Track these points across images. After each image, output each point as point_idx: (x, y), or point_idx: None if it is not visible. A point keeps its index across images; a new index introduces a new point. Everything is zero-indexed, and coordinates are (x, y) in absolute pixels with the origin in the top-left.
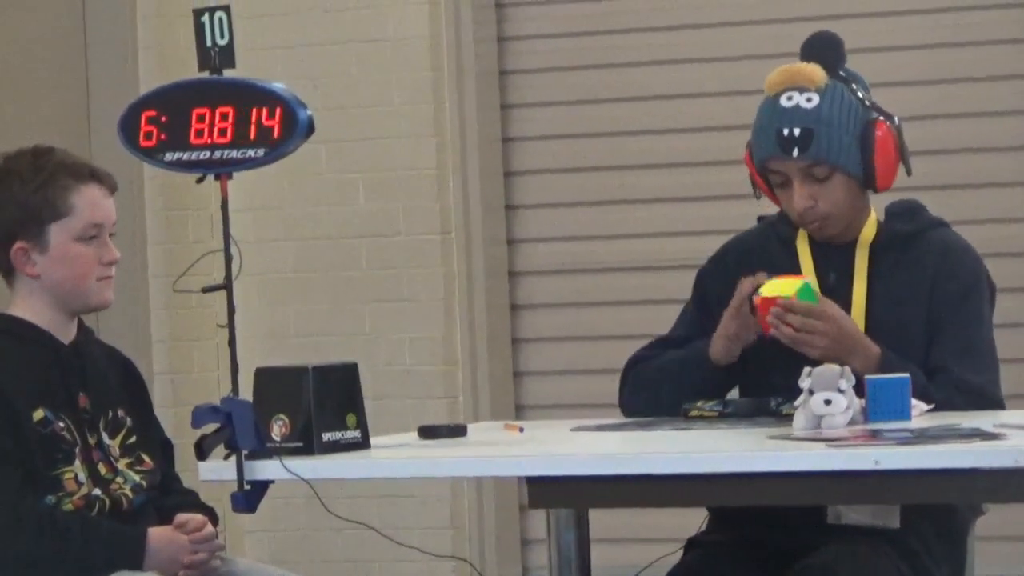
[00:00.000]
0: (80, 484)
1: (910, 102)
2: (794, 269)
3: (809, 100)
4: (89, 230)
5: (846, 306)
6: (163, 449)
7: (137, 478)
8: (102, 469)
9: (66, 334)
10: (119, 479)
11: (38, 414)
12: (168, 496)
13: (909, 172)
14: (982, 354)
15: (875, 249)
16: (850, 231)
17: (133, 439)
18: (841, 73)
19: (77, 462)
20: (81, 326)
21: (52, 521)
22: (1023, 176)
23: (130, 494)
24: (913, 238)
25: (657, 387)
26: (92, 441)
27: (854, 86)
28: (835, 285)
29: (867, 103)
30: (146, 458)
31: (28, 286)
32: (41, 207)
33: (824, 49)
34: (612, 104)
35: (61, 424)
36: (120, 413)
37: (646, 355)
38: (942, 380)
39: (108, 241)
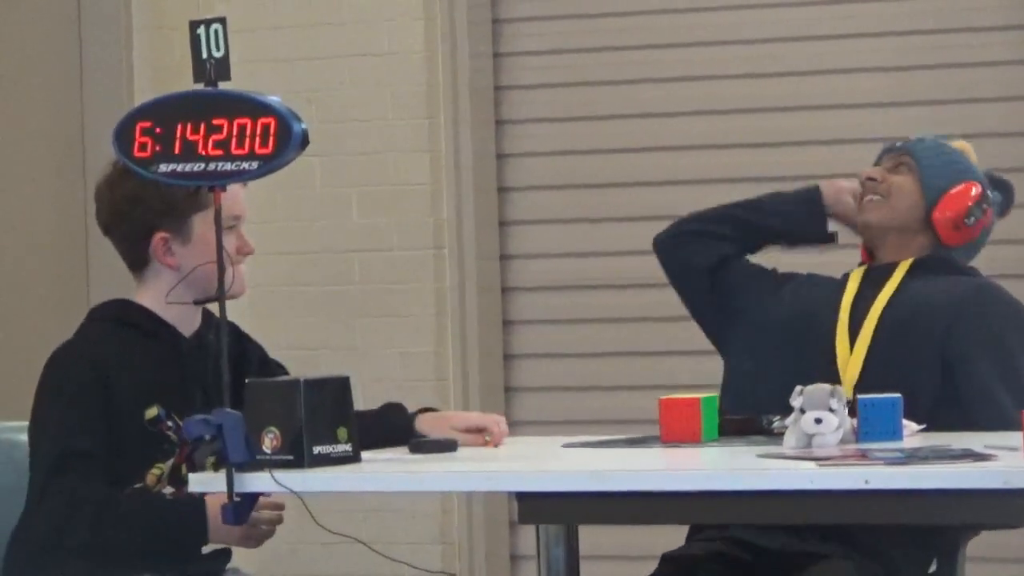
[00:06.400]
0: (159, 481)
1: (898, 120)
2: (839, 289)
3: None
4: (229, 221)
5: (867, 309)
6: None
7: None
8: (183, 469)
9: (190, 325)
10: None
11: (151, 412)
12: None
13: (951, 243)
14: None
15: (915, 266)
16: (899, 252)
17: None
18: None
19: (171, 461)
20: (205, 315)
21: (113, 508)
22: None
23: None
24: (954, 269)
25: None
26: None
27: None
28: (866, 293)
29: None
30: None
31: (162, 276)
32: (184, 198)
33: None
34: (606, 121)
35: (170, 423)
36: None
37: None
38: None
39: (243, 233)
